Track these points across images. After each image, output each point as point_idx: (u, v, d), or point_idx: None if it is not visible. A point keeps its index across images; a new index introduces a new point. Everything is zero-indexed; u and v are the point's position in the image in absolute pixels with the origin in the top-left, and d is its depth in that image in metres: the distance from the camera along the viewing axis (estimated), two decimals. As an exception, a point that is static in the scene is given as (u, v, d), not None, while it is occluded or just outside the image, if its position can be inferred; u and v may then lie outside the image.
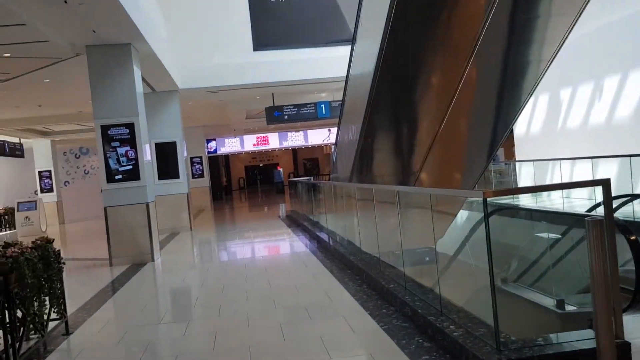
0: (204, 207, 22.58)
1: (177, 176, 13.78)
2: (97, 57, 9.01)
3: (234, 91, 14.82)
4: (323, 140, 28.84)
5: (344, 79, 10.89)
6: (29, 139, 19.97)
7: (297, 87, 15.41)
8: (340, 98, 16.34)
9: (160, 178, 13.73)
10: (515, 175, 16.32)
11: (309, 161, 44.28)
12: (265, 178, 42.80)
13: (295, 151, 43.26)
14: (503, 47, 7.62)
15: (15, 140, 18.70)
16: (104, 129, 9.01)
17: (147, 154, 9.52)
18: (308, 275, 6.98)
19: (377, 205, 6.44)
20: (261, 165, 44.12)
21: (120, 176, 9.05)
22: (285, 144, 29.25)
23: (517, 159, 16.40)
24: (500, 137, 9.04)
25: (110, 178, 9.04)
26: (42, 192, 20.81)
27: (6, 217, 19.43)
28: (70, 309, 6.06)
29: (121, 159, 9.04)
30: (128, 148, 9.07)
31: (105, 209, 9.08)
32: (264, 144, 28.70)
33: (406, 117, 8.91)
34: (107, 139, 9.02)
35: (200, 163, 23.00)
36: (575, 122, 13.29)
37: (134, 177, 9.09)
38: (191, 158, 23.01)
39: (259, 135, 28.08)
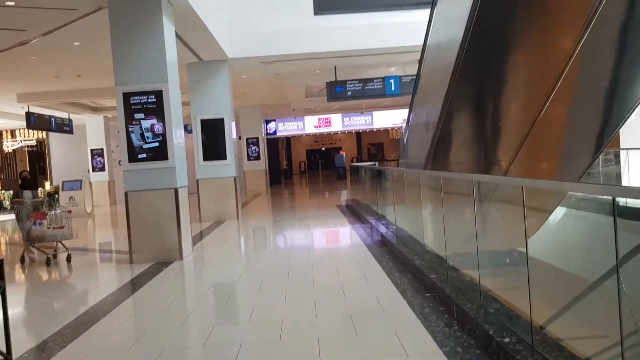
0: (260, 191, 21.12)
1: (224, 157, 12.16)
2: (121, 9, 7.39)
3: (291, 63, 13.03)
4: (393, 124, 26.65)
5: (420, 49, 8.91)
6: (80, 115, 19.03)
7: (362, 59, 13.44)
8: (413, 73, 14.26)
9: (205, 159, 12.18)
10: (617, 165, 13.64)
11: (373, 146, 42.21)
12: (327, 162, 41.13)
13: (359, 135, 41.28)
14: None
15: (64, 115, 17.74)
16: (126, 97, 7.41)
17: (180, 133, 7.89)
18: (370, 298, 5.09)
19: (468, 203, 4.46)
20: (323, 149, 42.43)
21: (144, 155, 7.45)
22: (349, 127, 27.32)
23: (622, 147, 13.77)
24: (613, 126, 6.87)
25: (132, 157, 7.46)
26: (93, 170, 19.93)
27: (56, 195, 18.68)
28: (48, 332, 4.48)
29: (146, 134, 7.43)
30: (154, 121, 7.44)
31: (125, 193, 7.52)
32: (326, 125, 26.89)
33: (499, 96, 6.95)
34: (129, 109, 7.43)
35: (257, 144, 21.49)
36: None
37: (160, 157, 7.46)
38: (247, 139, 21.57)
39: (320, 116, 26.30)
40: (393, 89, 14.10)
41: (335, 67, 13.95)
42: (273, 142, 27.63)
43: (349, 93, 14.06)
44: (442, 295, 4.52)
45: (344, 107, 24.62)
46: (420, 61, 8.93)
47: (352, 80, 14.06)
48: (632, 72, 6.23)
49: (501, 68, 6.37)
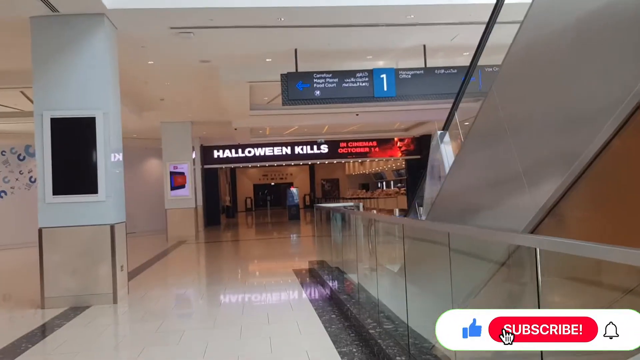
0: (187, 237, 15.51)
1: (92, 189, 6.66)
2: None
3: (221, 32, 7.82)
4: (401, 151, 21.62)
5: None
6: None
7: (340, 35, 8.38)
8: (410, 66, 9.35)
9: (57, 192, 6.63)
10: None
11: (327, 182, 37.19)
12: (277, 199, 35.78)
13: (312, 170, 36.25)
14: None
15: None
16: None
17: None
18: None
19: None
20: (272, 183, 37.07)
21: None
22: (303, 157, 21.95)
23: None
24: None
25: None
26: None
27: None
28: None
29: None
30: None
31: None
32: (277, 156, 21.66)
33: None
34: None
35: (183, 174, 15.91)
36: None
37: None
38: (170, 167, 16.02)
39: (270, 142, 21.06)
40: (386, 88, 9.02)
41: (296, 50, 8.80)
42: (212, 174, 22.08)
43: (317, 92, 8.88)
44: None
45: (301, 131, 19.47)
46: (490, 26, 3.99)
47: (322, 72, 8.94)
48: None
49: None
